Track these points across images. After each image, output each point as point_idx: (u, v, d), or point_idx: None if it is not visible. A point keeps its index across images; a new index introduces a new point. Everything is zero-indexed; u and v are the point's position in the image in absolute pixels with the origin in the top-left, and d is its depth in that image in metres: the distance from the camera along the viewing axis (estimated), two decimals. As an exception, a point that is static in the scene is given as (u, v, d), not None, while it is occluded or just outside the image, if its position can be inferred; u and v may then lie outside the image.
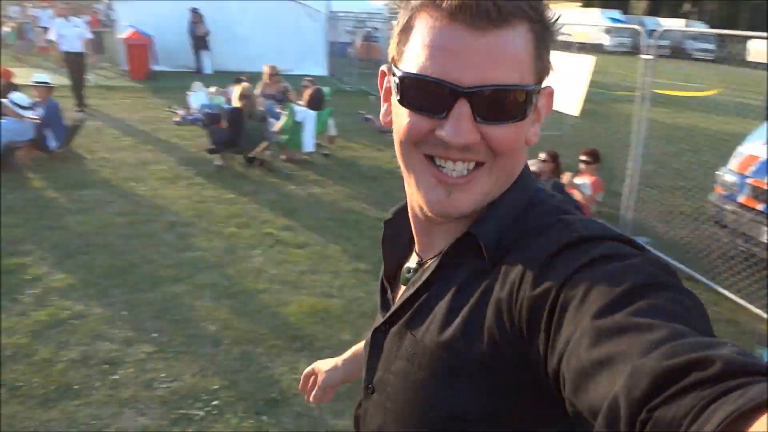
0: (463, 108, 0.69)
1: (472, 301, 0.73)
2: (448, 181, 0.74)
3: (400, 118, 0.76)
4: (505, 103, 0.71)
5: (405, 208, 0.95)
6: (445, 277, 0.80)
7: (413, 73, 0.71)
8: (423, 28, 0.71)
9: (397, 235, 0.97)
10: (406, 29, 0.74)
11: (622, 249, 0.66)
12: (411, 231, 0.93)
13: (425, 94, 0.71)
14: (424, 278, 0.83)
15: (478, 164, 0.74)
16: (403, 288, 0.92)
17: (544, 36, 0.73)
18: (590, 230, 0.70)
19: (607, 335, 0.54)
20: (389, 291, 0.97)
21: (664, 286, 0.59)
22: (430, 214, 0.78)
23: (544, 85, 0.77)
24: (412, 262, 0.93)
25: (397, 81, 0.74)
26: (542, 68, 0.74)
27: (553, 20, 0.74)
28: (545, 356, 0.62)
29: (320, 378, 1.26)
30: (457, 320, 0.73)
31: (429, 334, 0.77)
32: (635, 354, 0.50)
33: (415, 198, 0.81)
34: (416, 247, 0.92)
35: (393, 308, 0.88)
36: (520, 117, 0.72)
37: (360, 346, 1.15)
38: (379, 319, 0.93)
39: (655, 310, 0.55)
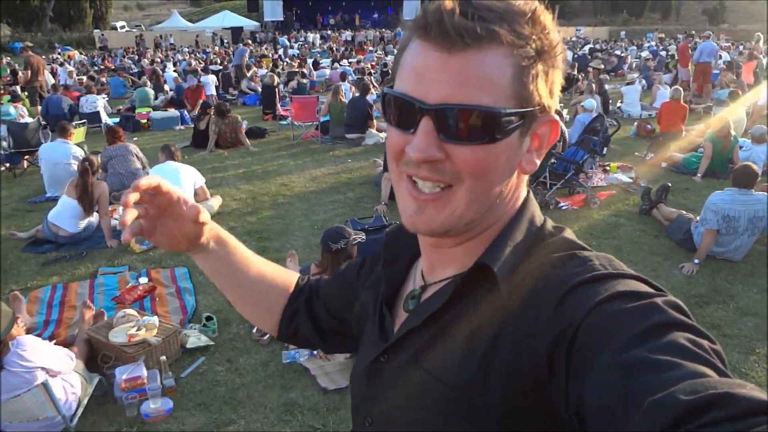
0: (427, 124, 0.70)
1: (490, 340, 0.71)
2: (419, 197, 0.74)
3: (388, 133, 0.78)
4: (469, 124, 0.69)
5: (405, 230, 0.94)
6: (459, 311, 0.78)
7: (388, 90, 0.75)
8: (408, 49, 0.74)
9: (395, 258, 0.97)
10: (402, 50, 0.77)
11: (640, 287, 0.65)
12: (409, 254, 0.96)
13: (399, 111, 0.73)
14: (433, 309, 0.80)
15: (449, 186, 0.73)
16: (404, 315, 0.89)
17: (533, 62, 0.70)
18: (607, 267, 0.70)
19: (628, 372, 0.54)
20: (387, 317, 0.93)
21: (685, 326, 0.59)
22: (407, 227, 0.79)
23: (545, 113, 0.74)
24: (415, 286, 0.91)
25: (383, 98, 0.78)
26: (529, 95, 0.71)
27: (551, 47, 0.71)
28: (566, 394, 0.61)
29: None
30: (476, 360, 0.72)
31: (445, 372, 0.75)
32: (655, 390, 0.51)
33: (399, 210, 0.80)
34: (422, 268, 0.91)
35: (395, 337, 0.85)
36: (486, 139, 0.70)
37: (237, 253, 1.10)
38: (375, 349, 0.90)
39: (676, 349, 0.55)
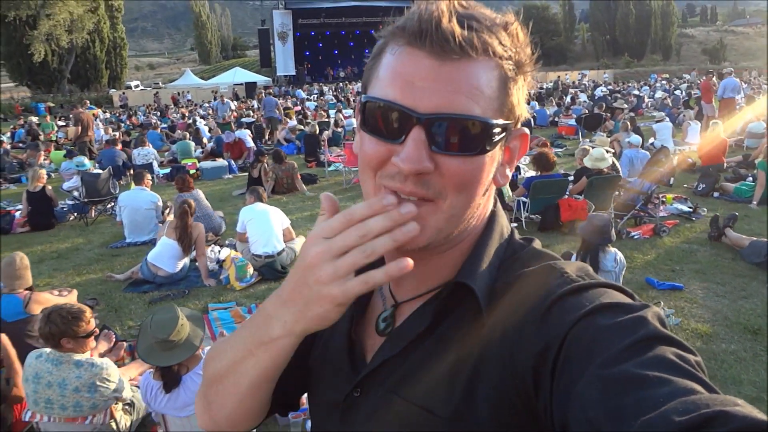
0: (418, 134, 0.66)
1: (474, 361, 0.70)
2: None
3: (363, 143, 0.73)
4: (462, 134, 0.67)
5: None
6: (440, 335, 0.75)
7: (373, 97, 0.70)
8: (389, 55, 0.71)
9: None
10: (377, 56, 0.73)
11: (623, 299, 0.65)
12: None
13: (384, 119, 0.69)
14: (412, 335, 0.76)
15: (431, 200, 0.70)
16: (377, 339, 0.84)
17: (515, 75, 0.71)
18: (584, 277, 0.69)
19: (616, 386, 0.53)
20: (357, 344, 0.87)
21: (671, 341, 0.57)
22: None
23: (517, 127, 0.74)
24: (385, 305, 0.87)
25: (360, 106, 0.73)
26: (511, 107, 0.71)
27: (528, 60, 0.72)
28: (552, 409, 0.60)
29: None
30: (463, 384, 0.69)
31: (432, 401, 0.71)
32: (646, 408, 0.49)
33: None
34: (390, 287, 0.86)
35: (371, 367, 0.80)
36: (478, 151, 0.69)
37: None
38: (345, 380, 0.84)
39: (663, 364, 0.54)
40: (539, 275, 0.71)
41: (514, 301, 0.69)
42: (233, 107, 23.31)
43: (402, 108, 0.67)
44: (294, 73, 47.20)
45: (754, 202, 8.19)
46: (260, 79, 46.86)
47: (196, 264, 6.40)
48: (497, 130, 0.69)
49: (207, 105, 32.50)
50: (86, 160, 11.17)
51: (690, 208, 8.05)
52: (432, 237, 0.72)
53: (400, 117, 0.67)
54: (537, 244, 0.82)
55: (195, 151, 15.05)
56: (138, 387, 3.64)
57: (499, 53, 0.68)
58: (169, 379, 2.98)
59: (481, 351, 0.69)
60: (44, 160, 15.13)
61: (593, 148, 8.38)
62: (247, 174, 11.28)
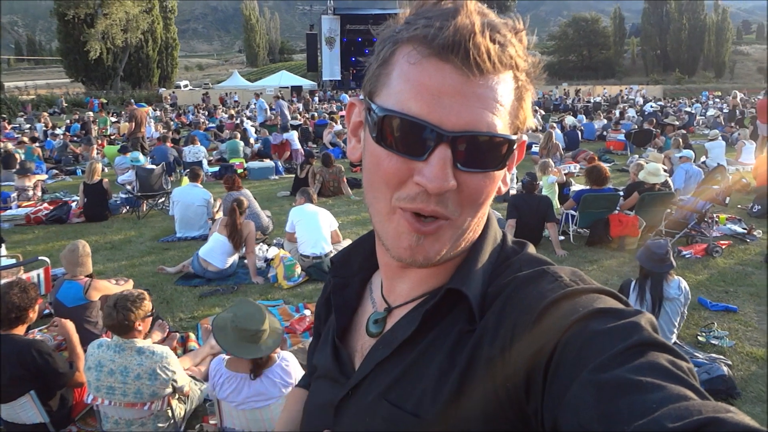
0: (445, 153, 0.65)
1: (463, 364, 0.69)
2: (422, 228, 0.69)
3: (376, 158, 0.70)
4: (487, 152, 0.67)
5: (354, 251, 0.94)
6: (433, 338, 0.74)
7: (394, 111, 0.66)
8: (407, 63, 0.67)
9: (346, 283, 0.93)
10: (386, 62, 0.70)
11: (616, 304, 0.64)
12: (361, 277, 0.93)
13: (406, 135, 0.66)
14: (403, 337, 0.76)
15: (446, 218, 0.70)
16: (367, 341, 0.84)
17: (526, 86, 0.70)
18: (578, 282, 0.68)
19: (608, 392, 0.52)
20: (342, 350, 0.87)
21: (664, 347, 0.57)
22: (397, 258, 0.73)
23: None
24: (376, 309, 0.87)
25: (375, 118, 0.68)
26: (524, 119, 0.71)
27: (531, 68, 0.70)
28: (543, 413, 0.59)
29: None
30: (452, 389, 0.68)
31: (419, 406, 0.71)
32: (639, 414, 0.49)
33: (383, 240, 0.75)
34: (382, 289, 0.86)
35: (364, 372, 0.79)
36: (499, 167, 0.69)
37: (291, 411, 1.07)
38: (337, 386, 0.85)
39: (656, 370, 0.53)
40: (532, 280, 0.70)
41: (507, 306, 0.69)
42: (265, 106, 23.75)
43: (429, 125, 0.64)
44: (339, 78, 47.71)
45: (813, 227, 7.93)
46: (306, 83, 47.50)
47: (245, 261, 6.54)
48: (513, 144, 0.69)
49: (253, 107, 33.08)
50: (141, 156, 11.49)
51: (744, 229, 7.83)
52: (446, 254, 0.72)
53: (424, 134, 0.65)
54: (531, 249, 0.82)
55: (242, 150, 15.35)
56: (192, 377, 3.75)
57: (521, 67, 0.68)
58: (258, 368, 3.09)
59: (472, 355, 0.69)
60: (97, 154, 15.64)
61: (647, 163, 8.23)
62: (292, 176, 11.44)
